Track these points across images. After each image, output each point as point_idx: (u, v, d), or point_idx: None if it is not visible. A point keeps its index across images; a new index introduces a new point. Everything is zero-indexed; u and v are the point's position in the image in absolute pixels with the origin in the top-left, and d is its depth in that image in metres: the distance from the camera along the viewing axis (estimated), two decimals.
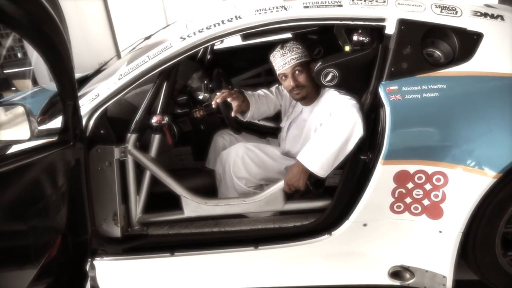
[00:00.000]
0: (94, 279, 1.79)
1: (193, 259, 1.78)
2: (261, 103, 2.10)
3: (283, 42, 1.86)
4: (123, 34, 5.47)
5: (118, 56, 3.42)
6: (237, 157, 1.86)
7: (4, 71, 4.91)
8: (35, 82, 4.01)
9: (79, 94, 1.85)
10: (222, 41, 1.95)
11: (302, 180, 1.69)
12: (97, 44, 5.23)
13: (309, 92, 1.87)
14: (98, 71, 2.45)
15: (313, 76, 1.76)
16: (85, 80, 2.32)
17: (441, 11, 1.60)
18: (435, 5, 1.61)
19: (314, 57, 2.02)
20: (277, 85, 2.20)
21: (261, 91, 2.17)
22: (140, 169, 1.83)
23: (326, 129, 1.65)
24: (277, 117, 2.26)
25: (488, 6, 1.77)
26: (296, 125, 1.98)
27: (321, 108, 1.84)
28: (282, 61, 1.83)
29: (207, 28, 1.62)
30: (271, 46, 2.00)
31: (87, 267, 1.65)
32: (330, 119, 1.67)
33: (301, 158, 1.67)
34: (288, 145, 2.01)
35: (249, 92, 2.12)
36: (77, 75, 2.61)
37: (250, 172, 1.88)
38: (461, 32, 1.59)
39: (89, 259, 1.71)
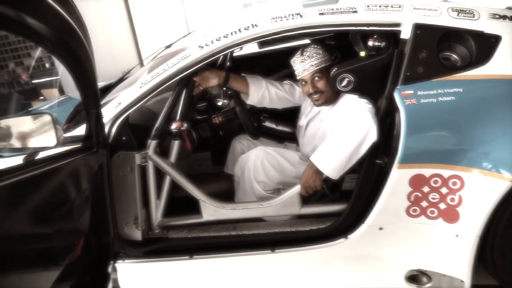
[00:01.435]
0: (116, 281, 1.84)
1: (211, 262, 1.81)
2: (267, 89, 2.10)
3: (303, 47, 1.88)
4: (145, 43, 5.61)
5: (141, 64, 3.53)
6: (257, 160, 1.89)
7: (33, 81, 5.12)
8: (61, 91, 4.17)
9: (102, 102, 1.93)
10: (241, 48, 2.00)
11: (318, 180, 1.71)
12: (120, 53, 5.40)
13: (329, 97, 1.89)
14: (121, 80, 2.54)
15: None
16: (109, 88, 2.41)
17: (457, 15, 1.60)
18: (452, 9, 1.61)
19: (331, 62, 2.04)
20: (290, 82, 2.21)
21: (285, 82, 2.19)
22: (160, 174, 1.89)
23: (340, 132, 1.67)
24: (294, 122, 2.28)
25: (510, 8, 1.75)
26: (314, 124, 2.00)
27: (338, 110, 1.86)
28: (302, 67, 1.86)
29: (224, 36, 1.67)
30: (290, 52, 2.03)
31: (109, 269, 1.71)
32: (345, 122, 1.68)
33: (314, 159, 1.69)
34: (305, 143, 2.04)
35: (256, 77, 2.14)
36: (101, 83, 2.73)
37: (269, 176, 1.91)
38: (478, 35, 1.58)
39: (111, 262, 1.77)
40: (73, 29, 1.04)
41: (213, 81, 1.97)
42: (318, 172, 1.69)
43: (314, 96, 1.89)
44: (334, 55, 2.03)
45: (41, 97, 4.71)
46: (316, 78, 1.86)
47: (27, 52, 5.62)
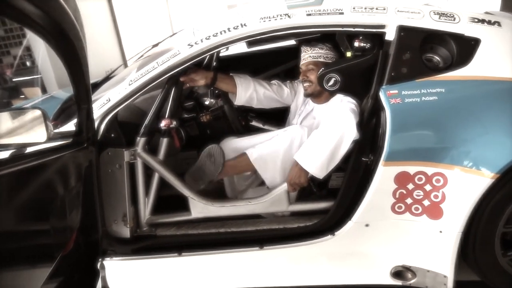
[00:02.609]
0: (104, 279, 1.83)
1: (200, 259, 1.82)
2: (255, 90, 2.11)
3: (314, 41, 1.95)
4: (129, 43, 5.57)
5: (125, 65, 3.50)
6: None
7: (13, 79, 5.01)
8: (44, 90, 4.10)
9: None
10: (227, 48, 2.02)
11: (303, 177, 1.75)
12: (104, 52, 5.33)
13: (316, 90, 1.93)
14: (106, 79, 2.53)
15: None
16: (94, 87, 2.39)
17: (439, 18, 1.66)
18: (434, 12, 1.67)
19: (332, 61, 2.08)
20: (289, 81, 2.25)
21: (273, 82, 2.21)
22: (148, 172, 1.89)
23: (320, 130, 1.72)
24: (281, 121, 2.31)
25: (488, 13, 1.82)
26: (307, 122, 2.03)
27: (328, 109, 1.91)
28: (303, 56, 1.95)
29: (213, 35, 1.69)
30: (276, 53, 2.07)
31: (98, 266, 1.71)
32: (326, 120, 1.73)
33: (298, 157, 1.73)
34: None
35: (244, 76, 2.15)
36: None
37: None
38: (459, 38, 1.64)
39: (100, 259, 1.76)
40: (71, 20, 1.05)
41: (200, 81, 1.99)
42: (303, 170, 1.73)
43: (305, 85, 1.96)
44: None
45: (22, 96, 4.62)
46: (310, 69, 1.92)
47: (6, 50, 5.50)
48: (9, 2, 0.84)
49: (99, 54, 5.12)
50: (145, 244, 1.87)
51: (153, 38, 2.81)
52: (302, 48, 1.96)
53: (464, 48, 1.64)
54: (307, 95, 1.99)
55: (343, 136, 1.66)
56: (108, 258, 1.82)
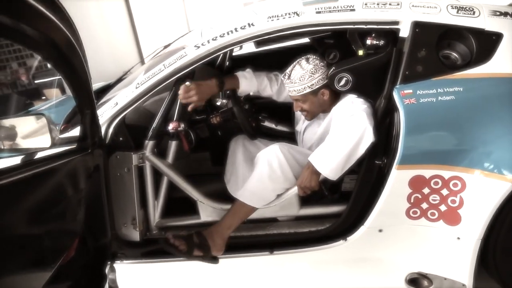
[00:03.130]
0: (114, 282, 1.84)
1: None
2: (258, 82, 2.04)
3: (291, 68, 1.79)
4: (147, 42, 5.62)
5: (142, 63, 3.51)
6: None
7: (36, 81, 5.14)
8: (63, 91, 4.18)
9: (101, 101, 1.93)
10: (241, 47, 1.97)
11: (314, 181, 1.67)
12: (121, 52, 5.41)
13: (317, 113, 1.86)
14: (120, 79, 2.53)
15: (321, 101, 1.79)
16: (108, 88, 2.40)
17: (457, 12, 1.58)
18: (451, 6, 1.58)
19: (329, 61, 2.01)
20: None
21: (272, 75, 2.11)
22: (158, 175, 1.87)
23: (337, 133, 1.64)
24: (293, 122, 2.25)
25: None
26: (312, 129, 1.97)
27: (335, 112, 1.83)
28: (288, 88, 1.82)
29: (220, 36, 1.65)
30: (290, 51, 2.01)
31: (107, 270, 1.71)
32: (341, 122, 1.65)
33: (312, 159, 1.66)
34: (304, 147, 2.00)
35: (247, 71, 2.06)
36: (100, 84, 2.72)
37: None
38: (479, 33, 1.56)
39: (109, 262, 1.76)
40: (68, 38, 1.07)
41: (207, 93, 1.87)
42: (315, 173, 1.67)
43: (302, 113, 1.88)
44: (333, 54, 2.01)
45: (43, 97, 4.74)
46: (300, 101, 1.82)
47: (30, 52, 5.65)
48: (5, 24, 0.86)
49: (117, 54, 5.20)
50: (155, 247, 1.85)
51: (170, 37, 2.80)
52: (283, 79, 1.82)
53: (484, 44, 1.55)
54: (310, 119, 1.91)
55: (360, 140, 1.57)
56: (118, 261, 1.82)
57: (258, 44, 1.94)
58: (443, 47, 1.62)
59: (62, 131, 1.86)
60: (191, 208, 1.88)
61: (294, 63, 1.79)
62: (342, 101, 1.79)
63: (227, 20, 1.95)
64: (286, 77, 1.78)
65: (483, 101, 1.51)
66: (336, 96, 1.81)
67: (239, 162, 1.99)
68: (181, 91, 1.78)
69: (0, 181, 0.96)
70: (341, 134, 1.61)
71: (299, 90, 1.77)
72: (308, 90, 1.76)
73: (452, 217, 1.55)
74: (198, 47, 1.66)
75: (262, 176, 1.73)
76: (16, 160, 1.40)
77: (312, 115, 1.87)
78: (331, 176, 1.64)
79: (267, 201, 1.75)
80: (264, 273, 1.79)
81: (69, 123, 2.05)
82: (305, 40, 2.36)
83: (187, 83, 1.79)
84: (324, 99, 1.80)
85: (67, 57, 1.10)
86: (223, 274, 1.82)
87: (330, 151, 1.63)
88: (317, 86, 1.76)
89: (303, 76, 1.74)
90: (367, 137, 1.57)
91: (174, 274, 1.85)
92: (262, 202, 1.75)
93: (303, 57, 1.79)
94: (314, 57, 1.78)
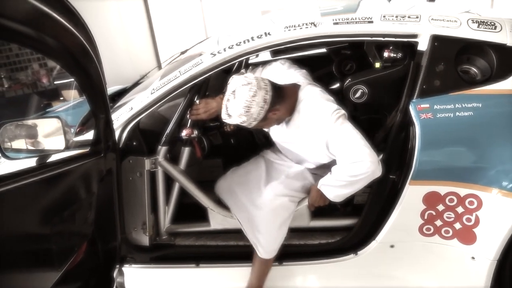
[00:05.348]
0: (122, 285, 1.84)
1: (217, 272, 1.79)
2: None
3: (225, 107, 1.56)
4: (164, 46, 5.66)
5: (159, 67, 3.53)
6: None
7: (55, 82, 5.22)
8: (81, 93, 4.23)
9: (116, 105, 1.94)
10: (257, 55, 1.97)
11: (323, 200, 1.66)
12: (139, 55, 5.46)
13: (282, 121, 1.66)
14: (136, 83, 2.55)
15: (277, 117, 1.58)
16: (124, 92, 2.43)
17: (478, 26, 1.54)
18: (472, 20, 1.55)
19: (345, 72, 2.00)
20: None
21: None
22: (169, 181, 1.88)
23: (343, 169, 1.51)
24: None
25: None
26: (285, 135, 1.74)
27: (302, 120, 1.61)
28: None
29: (237, 44, 1.65)
30: (306, 60, 1.99)
31: (115, 273, 1.71)
32: (344, 157, 1.50)
33: (321, 187, 1.61)
34: (286, 154, 1.85)
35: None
36: (117, 87, 2.75)
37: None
38: (500, 48, 1.52)
39: (118, 266, 1.76)
40: (84, 46, 1.09)
41: (215, 110, 1.79)
42: (324, 195, 1.63)
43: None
44: (349, 65, 2.00)
45: (61, 98, 4.81)
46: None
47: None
48: (22, 31, 0.88)
49: (134, 57, 5.25)
50: (164, 253, 1.86)
51: (188, 41, 2.82)
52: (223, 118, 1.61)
53: (505, 59, 1.52)
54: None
55: (370, 177, 1.48)
56: (127, 265, 1.82)
57: (275, 53, 1.93)
58: (462, 62, 1.59)
59: (77, 134, 1.88)
60: (201, 215, 1.87)
61: (224, 101, 1.56)
62: (308, 103, 1.60)
63: (244, 28, 1.96)
64: (227, 117, 1.56)
65: (502, 118, 1.48)
66: (291, 96, 1.61)
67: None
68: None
69: (16, 183, 0.97)
70: (350, 173, 1.49)
71: (249, 124, 1.55)
72: (255, 122, 1.55)
73: (467, 236, 1.51)
74: (214, 54, 1.67)
75: (272, 229, 1.67)
76: (31, 162, 1.42)
77: (280, 122, 1.67)
78: (338, 201, 1.61)
79: (281, 242, 1.71)
80: (273, 284, 1.77)
81: (84, 126, 2.07)
82: (322, 50, 2.36)
83: (196, 101, 1.79)
84: (280, 115, 1.60)
85: (83, 65, 1.12)
86: (230, 283, 1.80)
87: (337, 183, 1.55)
88: (262, 115, 1.53)
89: (241, 115, 1.51)
90: (376, 174, 1.47)
91: (182, 280, 1.85)
92: (276, 249, 1.70)
93: (228, 91, 1.56)
94: (241, 85, 1.52)
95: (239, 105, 1.50)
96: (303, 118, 1.61)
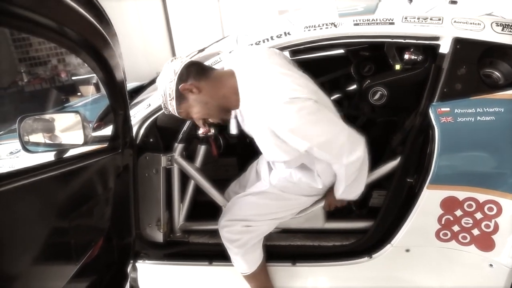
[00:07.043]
0: (135, 281, 1.86)
1: (230, 270, 1.79)
2: None
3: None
4: (181, 44, 5.70)
5: None
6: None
7: (73, 78, 5.31)
8: (98, 89, 4.29)
9: (133, 102, 1.96)
10: None
11: (341, 202, 1.66)
12: (156, 53, 5.51)
13: (220, 115, 1.47)
14: (153, 81, 2.57)
15: (199, 99, 1.37)
16: (141, 89, 2.45)
17: (502, 30, 1.51)
18: (496, 23, 1.52)
19: (364, 74, 1.98)
20: None
21: None
22: (185, 178, 1.89)
23: (343, 168, 1.41)
24: None
25: None
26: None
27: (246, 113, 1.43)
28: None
29: (256, 43, 1.65)
30: (324, 61, 1.98)
31: (129, 269, 1.72)
32: (340, 167, 1.41)
33: (341, 196, 1.57)
34: None
35: None
36: (134, 84, 2.77)
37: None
38: None
39: (132, 261, 1.78)
40: (105, 40, 1.10)
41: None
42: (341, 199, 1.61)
43: (209, 127, 1.68)
44: (368, 67, 1.97)
45: (79, 94, 4.89)
46: (187, 116, 1.46)
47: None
48: (45, 24, 0.88)
49: (152, 54, 5.31)
50: (177, 250, 1.87)
51: (204, 40, 2.83)
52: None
53: None
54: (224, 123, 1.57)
55: (366, 166, 1.45)
56: (140, 261, 1.84)
57: (294, 53, 1.92)
58: (485, 66, 1.56)
59: (95, 129, 1.90)
60: (216, 213, 1.88)
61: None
62: (255, 98, 1.34)
63: (262, 27, 1.95)
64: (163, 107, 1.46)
65: None
66: (225, 79, 1.39)
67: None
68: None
69: (34, 178, 0.98)
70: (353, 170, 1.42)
71: (169, 105, 1.41)
72: (173, 102, 1.38)
73: (485, 243, 1.48)
74: None
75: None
76: (49, 156, 1.44)
77: (218, 118, 1.48)
78: (359, 194, 1.58)
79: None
80: (285, 285, 1.77)
81: (102, 121, 2.09)
82: (340, 51, 2.34)
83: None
84: (200, 96, 1.36)
85: (105, 59, 1.13)
86: (242, 282, 1.80)
87: (349, 185, 1.50)
88: (173, 89, 1.36)
89: (160, 97, 1.41)
90: (361, 142, 1.37)
91: (195, 278, 1.85)
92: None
93: None
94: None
95: (160, 87, 1.38)
96: (247, 109, 1.38)
